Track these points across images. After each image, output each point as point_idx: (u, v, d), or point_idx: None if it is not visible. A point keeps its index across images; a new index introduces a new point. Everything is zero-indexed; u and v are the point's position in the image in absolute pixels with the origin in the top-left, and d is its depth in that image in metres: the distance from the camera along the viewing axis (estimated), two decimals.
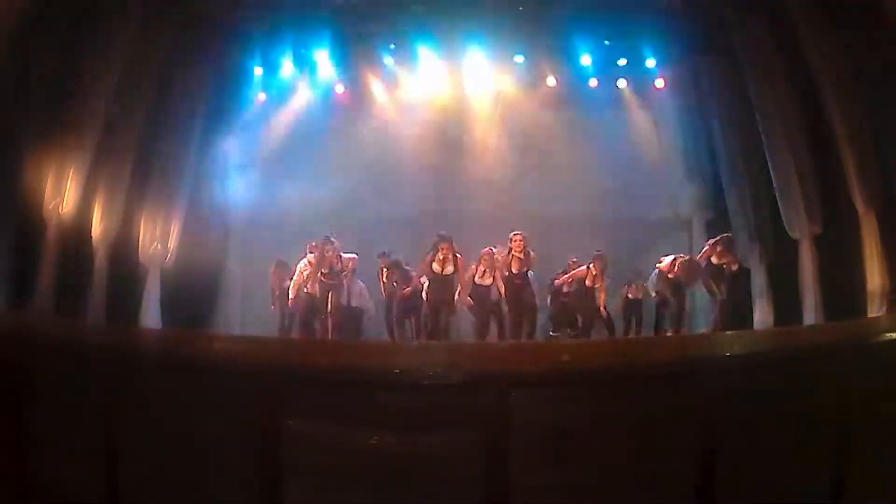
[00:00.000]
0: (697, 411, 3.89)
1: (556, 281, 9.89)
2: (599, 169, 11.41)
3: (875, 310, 7.88)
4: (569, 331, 9.66)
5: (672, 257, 9.35)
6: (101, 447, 3.94)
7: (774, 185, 9.60)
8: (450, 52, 11.47)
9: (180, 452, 3.84)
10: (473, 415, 3.80)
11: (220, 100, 11.21)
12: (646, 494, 3.82)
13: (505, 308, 8.85)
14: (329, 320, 8.88)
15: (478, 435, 3.78)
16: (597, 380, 3.95)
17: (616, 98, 11.80)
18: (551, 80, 11.81)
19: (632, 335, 9.51)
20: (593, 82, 11.74)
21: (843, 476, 4.00)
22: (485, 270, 8.64)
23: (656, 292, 9.49)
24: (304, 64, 11.70)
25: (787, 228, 9.48)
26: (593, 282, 9.23)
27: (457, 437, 3.79)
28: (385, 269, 9.55)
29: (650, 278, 9.61)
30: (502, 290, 8.65)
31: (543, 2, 10.70)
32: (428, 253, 8.68)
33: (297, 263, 9.38)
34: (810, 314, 8.90)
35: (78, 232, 8.89)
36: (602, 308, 9.31)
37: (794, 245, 9.44)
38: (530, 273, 8.91)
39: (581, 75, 11.73)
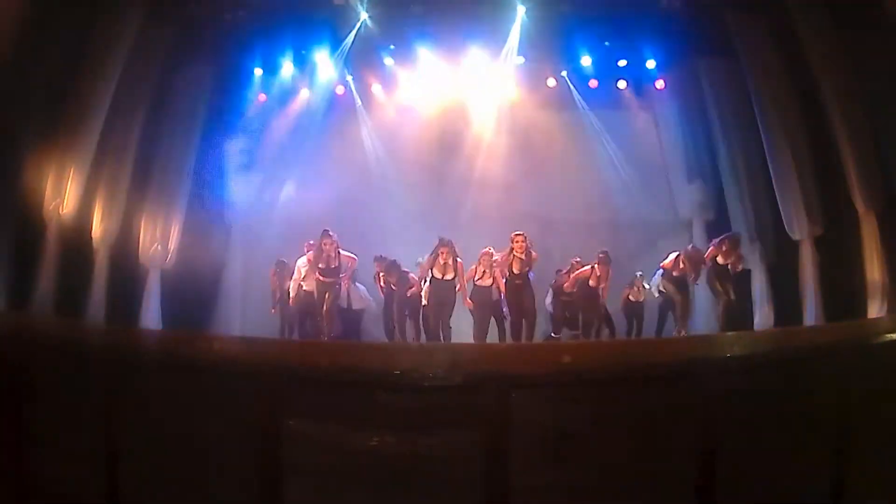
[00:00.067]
0: (697, 411, 3.89)
1: (558, 280, 9.85)
2: (599, 170, 11.42)
3: (875, 310, 7.88)
4: (569, 331, 9.63)
5: (675, 254, 9.22)
6: (101, 447, 3.94)
7: (775, 186, 9.59)
8: (450, 53, 11.47)
9: (180, 453, 3.84)
10: (474, 415, 3.80)
11: (220, 100, 11.21)
12: (646, 495, 3.82)
13: (505, 309, 8.84)
14: (325, 322, 8.78)
15: (478, 435, 3.78)
16: (597, 380, 3.95)
17: (616, 99, 11.80)
18: (551, 81, 11.82)
19: (633, 336, 9.49)
20: (593, 83, 11.75)
21: (843, 476, 4.00)
22: (484, 271, 8.63)
23: (660, 292, 9.44)
24: (305, 65, 11.71)
25: (787, 229, 9.47)
26: (597, 282, 9.16)
27: (457, 438, 3.79)
28: (381, 273, 9.55)
29: (654, 278, 9.59)
30: (502, 290, 8.64)
31: (544, 2, 10.71)
32: (428, 256, 8.69)
33: (296, 261, 9.34)
34: (810, 315, 8.90)
35: (78, 232, 8.90)
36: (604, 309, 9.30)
37: (794, 245, 9.43)
38: (531, 274, 8.89)
39: (581, 76, 11.74)
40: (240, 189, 11.31)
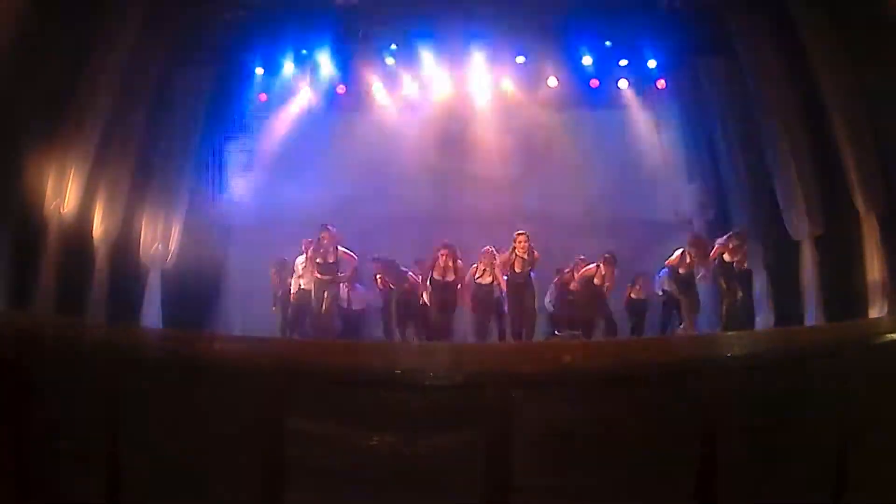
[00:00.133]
0: (698, 411, 3.89)
1: (563, 278, 9.80)
2: (600, 169, 11.40)
3: (876, 310, 7.88)
4: (571, 331, 9.58)
5: (680, 250, 9.07)
6: (101, 447, 3.94)
7: (775, 186, 9.59)
8: (451, 52, 11.47)
9: (181, 452, 3.84)
10: (474, 415, 3.80)
11: (221, 100, 11.22)
12: (646, 494, 3.82)
13: (506, 307, 8.81)
14: (323, 321, 8.75)
15: (479, 435, 3.78)
16: (598, 380, 3.95)
17: (617, 98, 11.79)
18: (552, 81, 11.81)
19: (636, 335, 9.45)
20: (594, 83, 11.75)
21: (844, 476, 4.00)
22: (485, 269, 8.60)
23: (664, 290, 9.40)
24: (306, 64, 11.71)
25: (788, 229, 9.47)
26: (602, 281, 9.12)
27: (458, 437, 3.79)
28: (379, 276, 9.54)
29: (657, 276, 9.56)
30: (503, 288, 8.62)
31: (545, 2, 10.71)
32: (428, 259, 8.67)
33: (296, 259, 9.32)
34: (811, 315, 8.89)
35: (79, 232, 8.91)
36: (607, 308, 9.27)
37: (795, 246, 9.42)
38: (533, 273, 8.89)
39: (582, 76, 11.74)
40: (240, 188, 11.32)
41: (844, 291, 8.47)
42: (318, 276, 8.68)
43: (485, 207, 10.99)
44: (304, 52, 11.57)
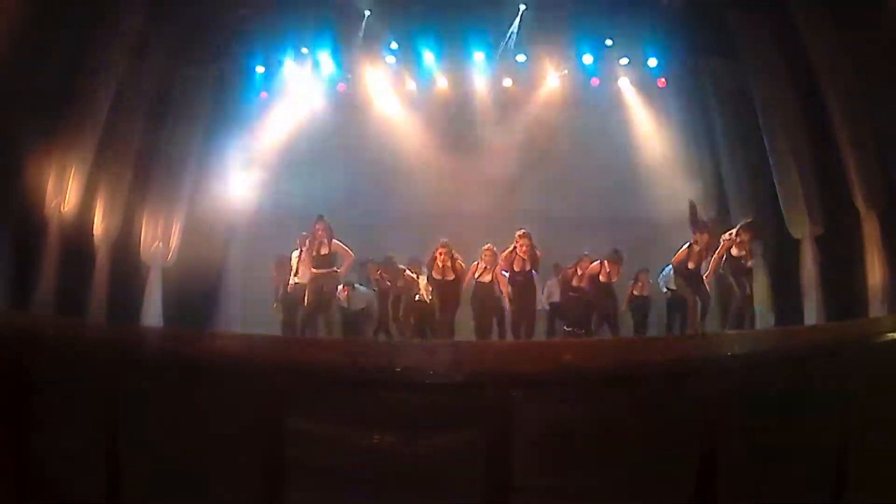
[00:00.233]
0: (698, 411, 3.88)
1: (566, 274, 9.77)
2: (601, 168, 11.40)
3: (876, 310, 7.88)
4: (576, 328, 9.52)
5: (686, 245, 8.54)
6: (101, 447, 3.94)
7: (776, 185, 9.59)
8: (451, 51, 11.49)
9: (181, 452, 3.84)
10: (475, 414, 3.80)
11: (221, 98, 11.23)
12: (646, 494, 3.82)
13: (506, 306, 8.79)
14: (318, 317, 8.65)
15: (479, 434, 3.78)
16: (598, 380, 3.95)
17: (618, 97, 11.80)
18: (553, 80, 11.82)
19: (640, 333, 9.43)
20: (595, 81, 11.76)
21: (844, 476, 4.00)
22: (485, 267, 8.57)
23: (668, 289, 9.33)
24: (306, 63, 11.71)
25: (788, 228, 9.47)
26: (607, 278, 9.09)
27: (458, 436, 3.79)
28: (376, 278, 9.53)
29: (661, 275, 9.52)
30: (503, 287, 8.60)
31: (545, 1, 10.72)
32: (427, 258, 8.64)
33: (291, 255, 9.23)
34: (811, 314, 8.89)
35: (79, 231, 8.92)
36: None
37: (795, 245, 9.42)
38: (534, 273, 8.88)
39: (583, 74, 11.74)
40: (241, 187, 11.31)
41: (844, 291, 8.46)
42: (314, 269, 8.51)
43: (485, 206, 10.99)
44: (305, 50, 11.58)
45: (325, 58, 11.57)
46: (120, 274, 9.47)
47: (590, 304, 9.39)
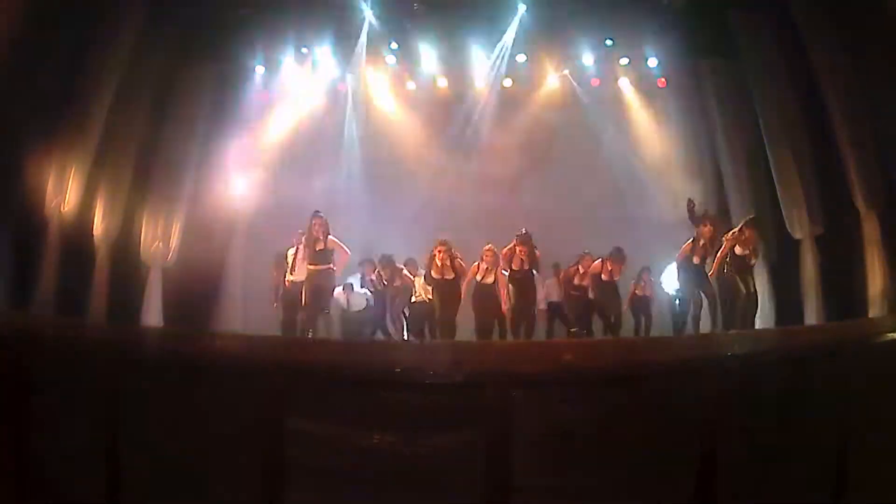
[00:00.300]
0: (698, 411, 3.88)
1: (567, 273, 9.65)
2: (601, 168, 11.41)
3: (876, 309, 7.88)
4: (579, 329, 9.46)
5: (690, 240, 8.41)
6: (101, 446, 3.94)
7: (776, 185, 9.59)
8: (451, 51, 11.49)
9: (181, 452, 3.84)
10: (475, 414, 3.80)
11: (222, 98, 11.23)
12: (646, 494, 3.82)
13: (507, 306, 8.75)
14: (314, 316, 8.40)
15: (479, 434, 3.78)
16: (598, 380, 3.95)
17: (618, 97, 11.81)
18: (553, 79, 11.82)
19: (641, 332, 9.40)
20: (595, 81, 11.76)
21: (844, 476, 4.00)
22: (487, 268, 8.55)
23: (671, 288, 9.28)
24: (307, 62, 11.72)
25: (788, 228, 9.47)
26: (609, 276, 9.01)
27: (458, 436, 3.79)
28: (371, 278, 9.51)
29: (664, 274, 9.49)
30: (506, 288, 8.58)
31: (546, 0, 10.73)
32: (426, 258, 8.59)
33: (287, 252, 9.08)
34: (811, 314, 8.89)
35: (79, 231, 8.92)
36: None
37: (795, 245, 9.42)
38: (534, 272, 8.87)
39: (583, 74, 11.75)
40: (241, 186, 11.31)
41: (844, 291, 8.46)
42: (310, 266, 8.29)
43: (485, 206, 11.00)
44: (305, 50, 11.58)
45: (325, 58, 11.57)
46: (120, 274, 9.48)
47: (590, 302, 9.36)
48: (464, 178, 11.42)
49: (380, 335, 9.56)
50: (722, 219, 8.95)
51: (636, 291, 9.65)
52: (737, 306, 8.09)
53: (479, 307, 8.58)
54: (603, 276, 9.04)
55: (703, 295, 8.31)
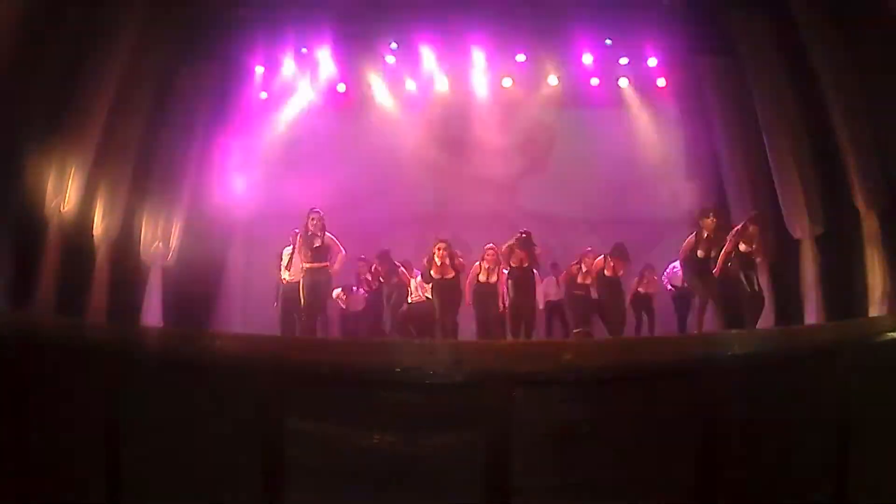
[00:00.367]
0: (698, 411, 3.88)
1: (570, 272, 9.59)
2: (600, 168, 11.43)
3: (876, 309, 7.87)
4: (583, 328, 9.42)
5: (693, 234, 8.47)
6: (101, 447, 3.93)
7: (776, 184, 9.59)
8: (451, 51, 11.50)
9: (181, 452, 3.83)
10: (475, 413, 3.79)
11: (221, 98, 11.24)
12: (647, 494, 3.82)
13: (508, 305, 8.75)
14: (311, 315, 8.37)
15: (479, 434, 3.77)
16: (598, 379, 3.94)
17: (617, 97, 11.81)
18: (553, 79, 11.83)
19: (644, 330, 9.38)
20: (595, 81, 11.77)
21: (844, 476, 4.00)
22: (489, 267, 8.54)
23: (674, 286, 9.26)
24: (306, 62, 11.73)
25: (788, 228, 9.47)
26: (613, 272, 8.99)
27: (458, 436, 3.78)
28: (366, 277, 9.50)
29: (666, 272, 9.47)
30: (507, 287, 8.58)
31: (546, 1, 10.73)
32: (426, 257, 8.57)
33: (283, 250, 9.09)
34: (811, 314, 8.89)
35: (79, 230, 8.92)
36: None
37: (795, 244, 9.42)
38: (535, 270, 8.87)
39: (583, 74, 11.75)
40: (241, 186, 11.32)
41: (844, 291, 8.46)
42: (306, 264, 8.23)
43: (485, 206, 11.02)
44: (304, 50, 11.59)
45: (325, 58, 11.58)
46: (120, 274, 9.47)
47: (592, 302, 9.33)
48: (463, 179, 11.44)
49: (377, 335, 9.55)
50: (723, 212, 8.96)
51: (639, 289, 9.63)
52: (742, 304, 8.11)
53: (481, 307, 8.58)
54: (606, 272, 9.01)
55: (705, 291, 8.33)
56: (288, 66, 11.70)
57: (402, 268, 9.37)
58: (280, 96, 11.88)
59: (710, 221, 8.21)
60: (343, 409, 3.86)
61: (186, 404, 3.90)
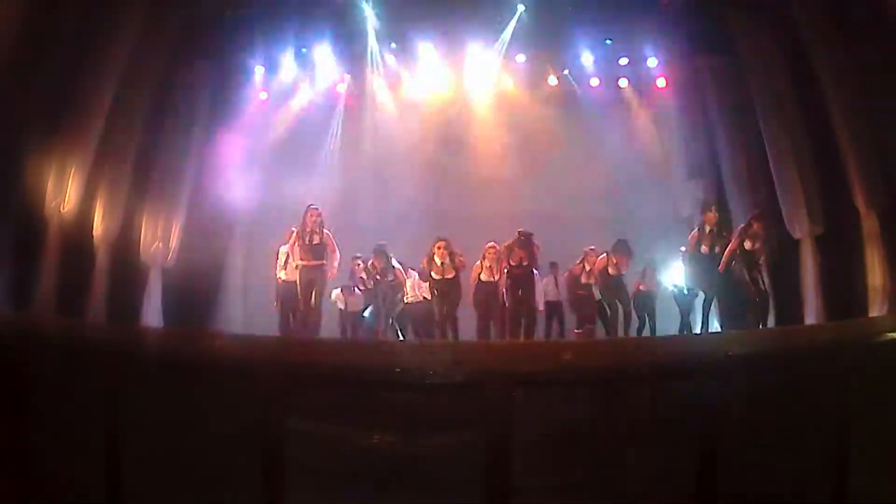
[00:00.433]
0: (698, 411, 3.88)
1: (573, 271, 9.47)
2: (600, 168, 11.41)
3: (876, 309, 7.87)
4: (587, 327, 9.35)
5: (696, 230, 8.41)
6: (101, 447, 3.94)
7: (776, 184, 9.58)
8: (451, 51, 11.49)
9: (181, 452, 3.84)
10: (475, 414, 3.80)
11: (221, 98, 11.23)
12: (647, 494, 3.82)
13: (507, 304, 8.72)
14: (310, 315, 8.17)
15: (479, 434, 3.78)
16: (598, 380, 3.95)
17: (617, 97, 11.81)
18: (553, 79, 11.83)
19: (645, 329, 9.33)
20: (595, 81, 11.76)
21: (844, 476, 4.00)
22: (489, 266, 8.51)
23: (675, 285, 9.23)
24: (306, 62, 11.73)
25: (788, 228, 9.46)
26: (616, 270, 8.93)
27: (458, 436, 3.79)
28: (361, 276, 9.47)
29: (668, 271, 9.45)
30: (506, 287, 8.55)
31: (546, 1, 10.74)
32: (425, 257, 8.52)
33: (279, 249, 9.01)
34: (811, 314, 8.88)
35: (79, 231, 8.91)
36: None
37: (795, 245, 9.42)
38: (535, 270, 8.86)
39: (583, 74, 11.75)
40: (241, 187, 11.31)
41: (844, 291, 8.45)
42: (303, 262, 8.07)
43: (485, 206, 11.00)
44: (304, 50, 11.59)
45: (325, 58, 11.58)
46: (120, 274, 9.47)
47: (594, 302, 9.30)
48: (463, 179, 11.43)
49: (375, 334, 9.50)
50: (724, 207, 8.97)
51: (640, 287, 9.56)
52: (748, 305, 8.12)
53: (482, 306, 8.55)
54: (609, 269, 8.96)
55: (708, 289, 8.32)
56: (288, 66, 11.70)
57: (398, 267, 9.32)
58: (280, 96, 11.87)
59: (712, 215, 8.25)
60: (343, 409, 3.87)
61: (186, 404, 3.91)
